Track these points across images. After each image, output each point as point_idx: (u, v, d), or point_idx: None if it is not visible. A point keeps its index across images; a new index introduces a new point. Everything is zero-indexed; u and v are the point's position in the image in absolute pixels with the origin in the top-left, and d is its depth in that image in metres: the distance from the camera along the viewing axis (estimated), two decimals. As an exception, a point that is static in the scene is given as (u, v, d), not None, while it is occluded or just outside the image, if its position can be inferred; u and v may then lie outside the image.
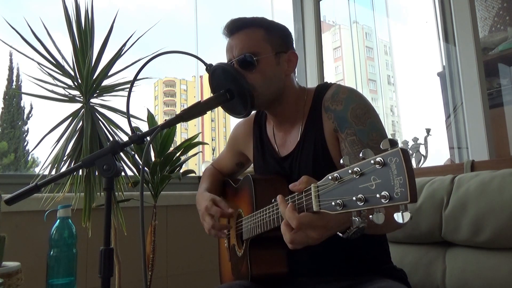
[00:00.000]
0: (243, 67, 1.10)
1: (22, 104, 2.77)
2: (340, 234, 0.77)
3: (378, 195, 0.55)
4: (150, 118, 1.64)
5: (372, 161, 0.57)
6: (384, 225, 0.94)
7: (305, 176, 0.77)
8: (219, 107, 1.13)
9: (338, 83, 1.15)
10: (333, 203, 0.64)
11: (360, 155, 0.60)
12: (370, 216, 0.60)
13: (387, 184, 0.54)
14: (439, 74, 2.64)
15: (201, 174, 2.24)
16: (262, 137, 1.28)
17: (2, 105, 2.73)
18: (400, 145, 0.58)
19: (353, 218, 0.64)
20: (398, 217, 0.55)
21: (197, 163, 2.80)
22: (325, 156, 1.09)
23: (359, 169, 0.59)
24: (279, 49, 1.13)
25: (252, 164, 1.35)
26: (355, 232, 0.75)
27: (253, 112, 1.30)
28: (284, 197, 0.83)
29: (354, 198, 0.59)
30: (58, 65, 1.48)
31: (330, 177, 0.65)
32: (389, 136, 1.14)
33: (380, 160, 0.55)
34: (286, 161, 1.17)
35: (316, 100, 1.14)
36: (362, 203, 0.58)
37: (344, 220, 0.76)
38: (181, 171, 1.72)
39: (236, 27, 1.14)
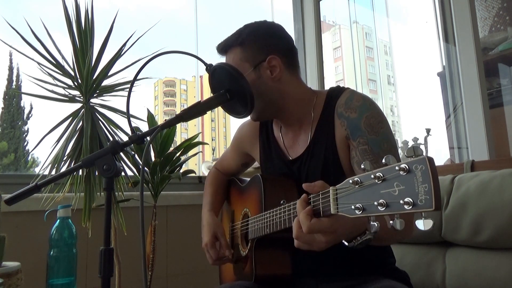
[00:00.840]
0: None
1: (22, 104, 2.77)
2: (345, 243, 0.78)
3: (401, 201, 0.55)
4: (150, 118, 1.64)
5: (396, 168, 0.57)
6: (391, 235, 0.95)
7: (320, 181, 0.78)
8: (219, 107, 1.13)
9: (350, 88, 1.13)
10: (352, 207, 0.64)
11: (383, 161, 0.60)
12: (391, 222, 0.60)
13: (411, 191, 0.55)
14: (439, 74, 2.64)
15: (201, 174, 2.25)
16: (269, 138, 1.27)
17: (2, 105, 2.73)
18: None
19: (372, 223, 0.64)
20: (419, 224, 0.56)
21: (197, 163, 2.80)
22: (335, 162, 1.08)
23: (381, 175, 0.59)
24: (257, 61, 1.11)
25: (257, 163, 1.35)
26: (361, 242, 0.76)
27: None
28: (293, 198, 0.84)
29: (375, 203, 0.59)
30: (58, 65, 1.48)
31: (350, 181, 0.65)
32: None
33: (405, 166, 0.56)
34: (295, 164, 1.16)
35: (328, 104, 1.12)
36: (384, 208, 0.58)
37: (352, 229, 0.77)
38: (181, 171, 1.72)
39: (221, 51, 1.19)
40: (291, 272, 1.08)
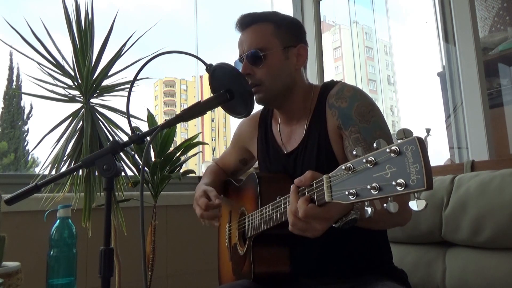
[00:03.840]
0: (251, 62, 1.12)
1: (22, 104, 2.77)
2: (333, 225, 0.78)
3: (393, 183, 0.55)
4: (150, 118, 1.64)
5: (387, 150, 0.57)
6: (385, 218, 0.95)
7: (309, 171, 0.78)
8: (219, 107, 1.13)
9: (343, 81, 1.16)
10: (346, 193, 0.64)
11: (374, 145, 0.60)
12: (384, 205, 0.60)
13: (403, 172, 0.55)
14: (439, 74, 2.64)
15: (201, 174, 2.24)
16: (267, 134, 1.29)
17: (2, 105, 2.73)
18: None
19: (366, 208, 0.64)
20: (413, 205, 0.55)
21: (197, 163, 2.79)
22: (328, 152, 1.09)
23: (373, 159, 0.59)
24: (288, 44, 1.14)
25: (257, 161, 1.35)
26: (346, 222, 0.76)
27: (259, 108, 1.30)
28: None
29: (368, 186, 0.59)
30: (58, 65, 1.48)
31: (343, 167, 0.65)
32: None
33: (396, 148, 0.56)
34: (290, 157, 1.17)
35: (321, 97, 1.15)
36: (377, 192, 0.58)
37: (341, 212, 0.77)
38: (181, 171, 1.72)
39: (246, 23, 1.16)
40: (290, 270, 1.08)
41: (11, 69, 2.72)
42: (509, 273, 1.16)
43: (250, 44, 1.13)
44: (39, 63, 1.47)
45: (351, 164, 0.64)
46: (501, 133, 2.29)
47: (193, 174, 1.84)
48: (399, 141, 0.56)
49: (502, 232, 1.18)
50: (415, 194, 0.55)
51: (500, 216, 1.18)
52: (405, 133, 0.56)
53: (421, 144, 0.53)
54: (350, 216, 0.76)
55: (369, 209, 0.63)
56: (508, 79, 2.50)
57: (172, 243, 1.93)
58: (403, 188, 0.54)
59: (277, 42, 1.13)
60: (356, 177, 0.63)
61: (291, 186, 0.81)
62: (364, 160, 0.61)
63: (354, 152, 0.64)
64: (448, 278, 1.29)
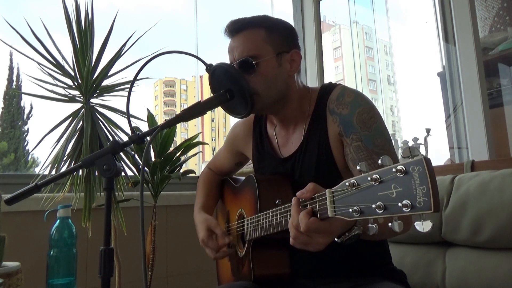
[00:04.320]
0: (243, 70, 1.08)
1: (22, 104, 2.77)
2: (335, 239, 0.78)
3: (399, 204, 0.55)
4: (150, 118, 1.64)
5: (393, 169, 0.56)
6: (386, 232, 0.95)
7: (311, 183, 0.77)
8: (219, 107, 1.13)
9: (342, 84, 1.14)
10: (350, 210, 0.63)
11: (379, 162, 0.60)
12: (389, 224, 0.60)
13: (409, 193, 0.54)
14: (439, 74, 2.64)
15: (201, 174, 2.24)
16: (262, 137, 1.27)
17: (2, 105, 2.73)
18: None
19: (370, 225, 0.63)
20: (419, 226, 0.55)
21: (197, 163, 2.80)
22: (328, 159, 1.08)
23: (378, 176, 0.59)
24: (281, 50, 1.11)
25: (252, 164, 1.35)
26: (350, 238, 0.76)
27: None
28: (288, 198, 0.84)
29: (373, 205, 0.59)
30: (58, 65, 1.48)
31: (347, 183, 0.65)
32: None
33: (402, 168, 0.55)
34: (288, 162, 1.16)
35: (320, 101, 1.12)
36: (382, 211, 0.58)
37: (344, 226, 0.77)
38: (181, 171, 1.72)
39: (236, 29, 1.12)
40: (290, 272, 1.08)
41: (11, 69, 2.72)
42: (509, 273, 1.16)
43: (242, 51, 1.09)
44: (39, 63, 1.47)
45: (355, 180, 0.63)
46: (501, 133, 2.29)
47: (193, 174, 1.84)
48: (405, 160, 0.55)
49: (502, 232, 1.18)
50: (421, 215, 0.54)
51: (500, 216, 1.18)
52: (412, 151, 0.55)
53: (428, 165, 0.53)
54: (353, 232, 0.76)
55: (373, 226, 0.63)
56: (508, 79, 2.50)
57: (172, 243, 1.93)
58: (409, 209, 0.54)
59: (269, 49, 1.09)
60: (360, 194, 0.62)
61: (293, 198, 0.80)
62: (369, 178, 0.60)
63: (358, 167, 0.63)
64: (448, 278, 1.29)
